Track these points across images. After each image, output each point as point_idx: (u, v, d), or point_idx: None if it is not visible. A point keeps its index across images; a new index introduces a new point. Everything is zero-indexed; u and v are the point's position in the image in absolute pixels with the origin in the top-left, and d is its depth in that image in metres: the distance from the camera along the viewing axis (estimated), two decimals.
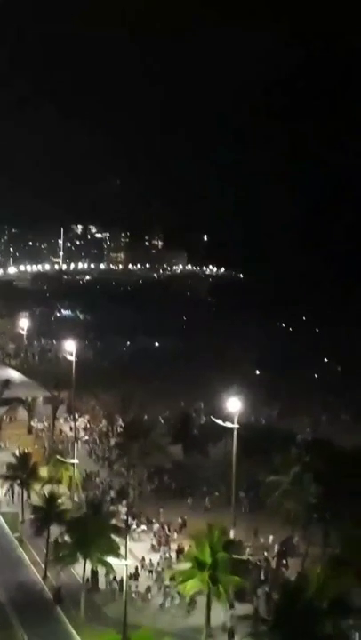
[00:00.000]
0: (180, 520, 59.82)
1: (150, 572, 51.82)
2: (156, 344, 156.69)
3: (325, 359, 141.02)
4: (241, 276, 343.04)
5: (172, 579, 46.62)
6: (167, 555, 54.44)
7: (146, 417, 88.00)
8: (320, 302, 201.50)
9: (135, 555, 52.71)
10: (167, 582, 48.33)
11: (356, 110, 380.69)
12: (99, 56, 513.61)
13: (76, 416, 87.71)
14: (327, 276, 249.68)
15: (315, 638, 34.66)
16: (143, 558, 53.12)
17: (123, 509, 60.69)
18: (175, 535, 57.69)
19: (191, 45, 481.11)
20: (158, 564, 52.98)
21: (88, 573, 48.68)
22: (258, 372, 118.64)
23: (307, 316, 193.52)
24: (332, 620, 36.06)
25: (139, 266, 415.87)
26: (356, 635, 41.59)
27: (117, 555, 46.06)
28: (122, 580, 47.33)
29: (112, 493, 66.54)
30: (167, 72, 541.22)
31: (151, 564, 52.70)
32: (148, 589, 48.98)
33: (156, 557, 54.06)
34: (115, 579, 48.76)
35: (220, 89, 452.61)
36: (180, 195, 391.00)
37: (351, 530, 44.56)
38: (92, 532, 46.87)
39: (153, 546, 56.40)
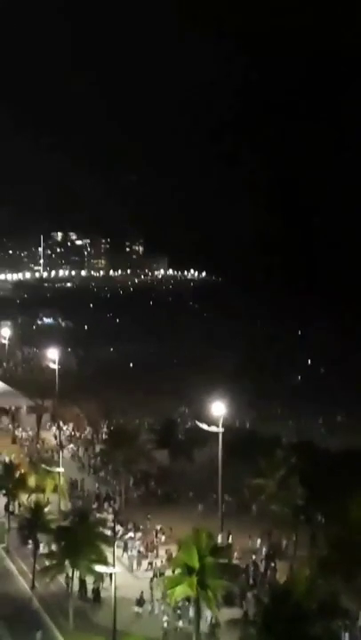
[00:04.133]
0: (163, 527, 59.34)
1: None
2: (140, 350, 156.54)
3: (309, 361, 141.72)
4: (220, 279, 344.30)
5: (159, 585, 46.47)
6: (155, 561, 54.18)
7: (130, 423, 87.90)
8: (300, 305, 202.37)
9: (123, 562, 52.49)
10: (157, 589, 48.08)
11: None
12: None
13: (61, 424, 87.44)
14: (308, 280, 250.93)
15: None
16: (152, 579, 50.71)
17: (109, 517, 60.42)
18: (163, 540, 57.46)
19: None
20: (146, 570, 52.74)
21: (77, 582, 48.46)
22: (242, 376, 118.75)
23: (288, 318, 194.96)
24: (321, 621, 36.11)
25: (120, 272, 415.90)
26: (346, 636, 41.72)
27: (106, 563, 45.82)
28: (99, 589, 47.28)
29: (99, 501, 66.32)
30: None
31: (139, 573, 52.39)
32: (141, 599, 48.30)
33: (144, 564, 53.81)
34: (109, 579, 47.66)
35: (196, 97, 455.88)
36: (162, 200, 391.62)
37: (338, 531, 44.57)
38: (79, 540, 46.63)
39: (140, 552, 56.09)
